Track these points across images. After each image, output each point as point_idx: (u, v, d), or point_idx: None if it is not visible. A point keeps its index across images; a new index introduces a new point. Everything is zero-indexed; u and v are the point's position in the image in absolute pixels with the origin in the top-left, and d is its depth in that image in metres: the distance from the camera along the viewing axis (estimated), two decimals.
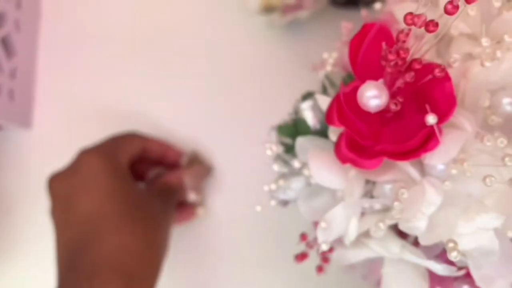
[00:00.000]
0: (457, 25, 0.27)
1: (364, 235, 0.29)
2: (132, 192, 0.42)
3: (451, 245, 0.22)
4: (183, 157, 0.51)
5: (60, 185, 0.41)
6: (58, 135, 0.56)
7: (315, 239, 0.31)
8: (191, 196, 0.50)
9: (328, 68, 0.32)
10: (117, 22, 0.57)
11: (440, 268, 0.27)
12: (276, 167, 0.32)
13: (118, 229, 0.39)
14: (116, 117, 0.55)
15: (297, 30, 0.55)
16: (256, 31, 0.55)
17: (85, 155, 0.42)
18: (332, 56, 0.32)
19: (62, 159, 0.54)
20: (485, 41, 0.24)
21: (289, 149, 0.33)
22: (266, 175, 0.36)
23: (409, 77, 0.22)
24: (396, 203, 0.24)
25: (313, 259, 0.34)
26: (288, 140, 0.34)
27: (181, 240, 0.52)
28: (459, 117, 0.25)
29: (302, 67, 0.53)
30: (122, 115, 0.55)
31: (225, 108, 0.55)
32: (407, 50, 0.22)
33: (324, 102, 0.28)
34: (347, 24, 0.37)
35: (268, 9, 0.51)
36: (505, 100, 0.26)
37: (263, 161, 0.39)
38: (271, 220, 0.52)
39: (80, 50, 0.57)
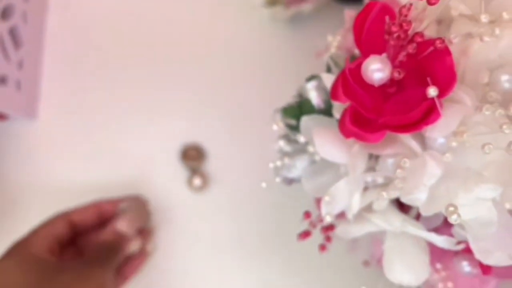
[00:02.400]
0: (457, 6, 0.28)
1: (367, 210, 0.30)
2: (52, 278, 0.42)
3: (451, 209, 0.23)
4: (118, 208, 0.50)
5: None
6: (63, 126, 0.56)
7: (318, 218, 0.32)
8: (134, 245, 0.50)
9: (333, 50, 0.33)
10: (122, 14, 0.58)
11: (440, 240, 0.28)
12: (281, 143, 0.33)
13: None
14: (121, 108, 0.56)
15: (300, 23, 0.56)
16: (260, 24, 0.56)
17: None
18: (336, 39, 0.33)
19: (66, 150, 0.55)
20: (484, 17, 0.25)
21: (294, 130, 0.34)
22: (270, 157, 0.37)
23: (411, 48, 0.23)
24: (398, 171, 0.25)
25: (315, 247, 0.35)
26: (292, 122, 0.34)
27: (180, 224, 0.53)
28: (459, 92, 0.26)
29: (305, 60, 0.54)
30: (126, 106, 0.56)
31: (229, 101, 0.55)
32: (409, 22, 0.23)
33: (329, 79, 0.29)
34: (351, 12, 0.38)
35: (271, 2, 0.52)
36: (504, 77, 0.27)
37: (265, 151, 0.40)
38: (273, 205, 0.53)
39: (85, 43, 0.58)
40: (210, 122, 0.55)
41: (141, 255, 0.51)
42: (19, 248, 0.44)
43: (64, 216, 0.48)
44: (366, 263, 0.42)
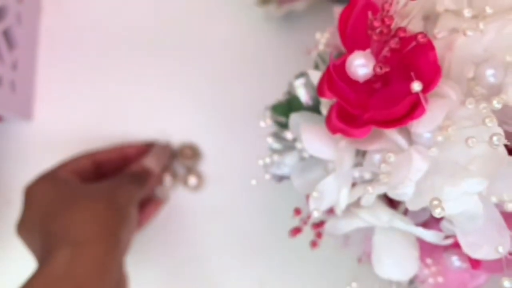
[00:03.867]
0: (442, 1, 0.28)
1: (355, 205, 0.30)
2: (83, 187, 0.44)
3: (435, 202, 0.23)
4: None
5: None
6: (58, 127, 0.57)
7: (308, 214, 0.32)
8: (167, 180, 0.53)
9: (321, 47, 0.33)
10: (116, 14, 0.58)
11: (428, 234, 0.28)
12: (269, 140, 0.33)
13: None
14: (116, 108, 0.56)
15: (292, 22, 0.56)
16: (252, 22, 0.56)
17: (29, 187, 0.45)
18: (324, 36, 0.33)
19: (61, 151, 0.55)
20: (467, 12, 0.25)
21: (283, 127, 0.34)
22: (266, 156, 0.37)
23: (394, 42, 0.23)
24: (383, 165, 0.25)
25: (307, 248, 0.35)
26: (282, 119, 0.35)
27: (176, 223, 0.53)
28: (444, 86, 0.26)
29: (298, 59, 0.53)
30: (122, 106, 0.56)
31: (223, 99, 0.56)
32: (391, 17, 0.23)
33: (315, 76, 0.29)
34: (340, 10, 0.38)
35: (264, 1, 0.52)
36: (489, 72, 0.27)
37: (260, 150, 0.40)
38: (269, 203, 0.53)
39: (79, 44, 0.58)
40: (205, 120, 0.55)
41: (155, 202, 0.52)
42: (46, 175, 0.46)
43: (89, 155, 0.49)
44: (359, 260, 0.42)
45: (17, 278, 0.53)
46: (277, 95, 0.39)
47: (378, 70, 0.23)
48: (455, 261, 0.32)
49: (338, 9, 0.38)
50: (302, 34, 0.56)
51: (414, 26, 0.28)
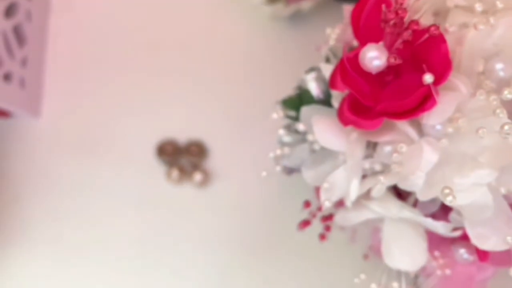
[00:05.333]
0: None
1: (365, 197, 0.30)
2: None
3: (446, 191, 0.24)
4: None
5: None
6: (66, 124, 0.57)
7: (318, 207, 0.33)
8: None
9: (331, 42, 0.33)
10: (124, 14, 0.59)
11: (437, 225, 0.29)
12: (281, 132, 0.33)
13: None
14: (123, 106, 0.57)
15: (300, 20, 0.56)
16: (260, 21, 0.57)
17: None
18: (334, 32, 0.34)
19: (69, 148, 0.56)
20: (478, 6, 0.26)
21: (294, 121, 0.35)
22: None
23: (407, 35, 0.23)
24: (395, 155, 0.25)
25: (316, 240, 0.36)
26: (292, 113, 0.35)
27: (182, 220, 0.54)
28: (454, 80, 0.26)
29: (305, 57, 0.54)
30: (129, 103, 0.57)
31: (230, 97, 0.56)
32: (405, 10, 0.23)
33: (327, 69, 0.29)
34: (350, 7, 0.39)
35: (271, 0, 0.52)
36: (498, 66, 0.27)
37: (267, 146, 0.40)
38: (275, 200, 0.53)
39: (87, 42, 0.58)
40: (211, 118, 0.56)
41: None
42: None
43: None
44: (365, 256, 0.42)
45: (22, 274, 0.54)
46: (283, 93, 0.40)
47: (392, 60, 0.24)
48: (463, 253, 0.32)
49: (348, 7, 0.38)
50: (309, 33, 0.56)
51: (424, 22, 0.28)
